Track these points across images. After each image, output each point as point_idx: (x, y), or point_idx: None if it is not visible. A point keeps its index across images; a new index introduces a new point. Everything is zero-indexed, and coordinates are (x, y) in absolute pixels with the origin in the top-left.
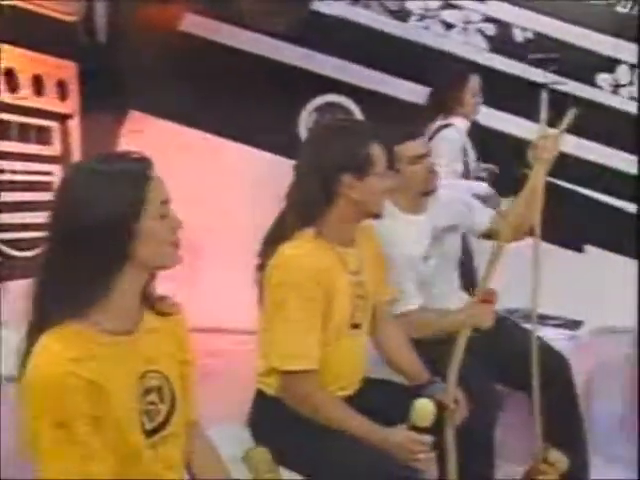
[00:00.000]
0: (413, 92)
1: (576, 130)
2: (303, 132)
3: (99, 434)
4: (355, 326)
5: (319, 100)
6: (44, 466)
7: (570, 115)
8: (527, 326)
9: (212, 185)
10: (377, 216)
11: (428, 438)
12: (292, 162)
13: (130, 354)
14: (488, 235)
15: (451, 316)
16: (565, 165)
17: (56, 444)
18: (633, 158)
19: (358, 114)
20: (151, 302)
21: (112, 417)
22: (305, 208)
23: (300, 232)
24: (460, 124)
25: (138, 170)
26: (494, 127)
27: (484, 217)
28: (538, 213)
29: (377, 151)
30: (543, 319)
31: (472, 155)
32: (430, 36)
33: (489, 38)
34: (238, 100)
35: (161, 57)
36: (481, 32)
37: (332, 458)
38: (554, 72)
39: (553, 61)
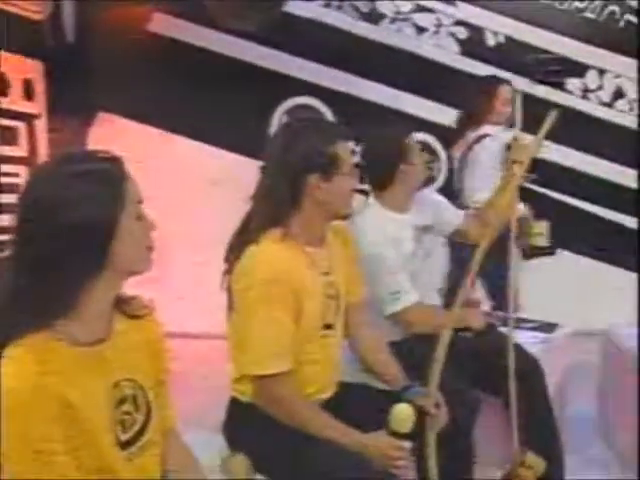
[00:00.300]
0: (385, 94)
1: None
2: None
3: (71, 452)
4: (327, 327)
5: (291, 102)
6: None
7: (550, 119)
8: (502, 330)
9: (183, 188)
10: (346, 217)
11: (407, 444)
12: (260, 163)
13: (102, 364)
14: (457, 235)
15: (448, 313)
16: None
17: (26, 464)
18: (606, 163)
19: (330, 116)
20: (121, 304)
21: (84, 432)
22: (272, 209)
23: (267, 233)
24: (499, 134)
25: (114, 169)
26: None
27: (453, 217)
28: (514, 213)
29: (344, 150)
30: (518, 322)
31: None
32: (402, 39)
33: (461, 41)
34: (208, 102)
35: (129, 57)
36: (453, 35)
37: (311, 465)
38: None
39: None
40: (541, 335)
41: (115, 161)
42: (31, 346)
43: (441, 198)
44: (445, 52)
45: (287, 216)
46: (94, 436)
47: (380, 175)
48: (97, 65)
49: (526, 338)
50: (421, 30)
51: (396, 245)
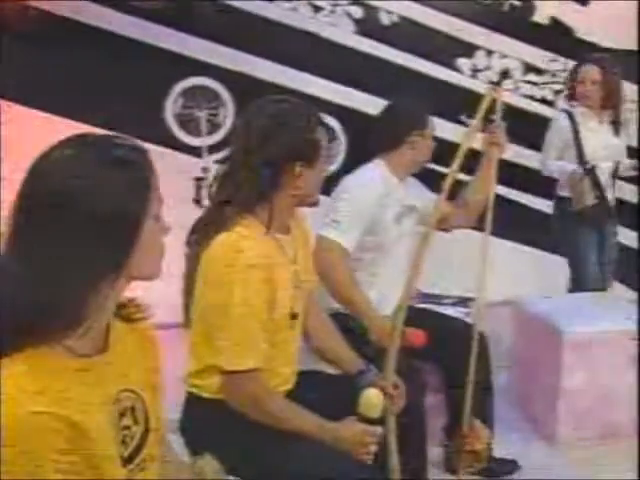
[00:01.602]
0: (283, 74)
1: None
2: (169, 116)
3: (74, 475)
4: (294, 316)
5: (186, 83)
6: None
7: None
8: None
9: None
10: (314, 204)
11: (379, 429)
12: (159, 148)
13: (104, 376)
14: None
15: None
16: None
17: None
18: None
19: (227, 97)
20: (118, 307)
21: (90, 454)
22: (250, 197)
23: (241, 221)
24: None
25: (141, 158)
26: (359, 109)
27: (432, 201)
28: (491, 198)
29: (322, 135)
30: (438, 298)
31: None
32: (298, 18)
33: (356, 21)
34: (102, 84)
35: (20, 38)
36: (348, 15)
37: (284, 461)
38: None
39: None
40: (463, 309)
41: (140, 150)
42: (29, 362)
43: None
44: (341, 31)
45: (264, 204)
46: (100, 458)
47: (390, 139)
48: None
49: (452, 313)
50: (317, 9)
51: (382, 204)
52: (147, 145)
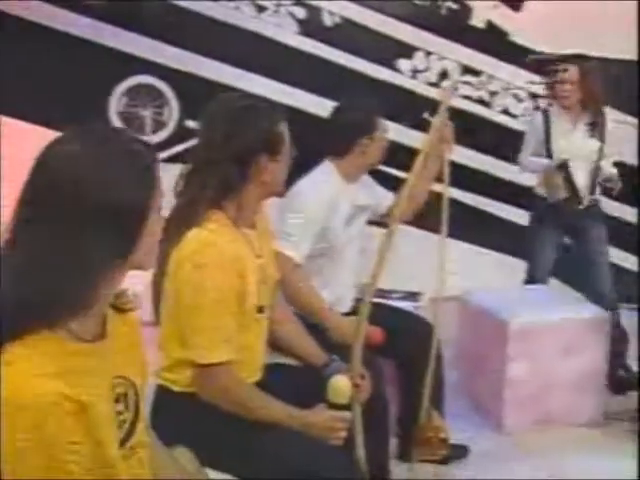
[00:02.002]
0: (227, 74)
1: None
2: (113, 114)
3: (79, 454)
4: (261, 310)
5: (130, 81)
6: None
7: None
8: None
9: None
10: (280, 194)
11: (348, 414)
12: None
13: (103, 362)
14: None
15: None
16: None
17: (40, 474)
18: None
19: (171, 96)
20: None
21: (94, 436)
22: (218, 192)
23: (210, 217)
24: None
25: (148, 152)
26: (303, 108)
27: (384, 197)
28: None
29: (284, 129)
30: (388, 293)
31: None
32: (242, 17)
33: (299, 21)
34: (46, 82)
35: None
36: (292, 15)
37: (259, 451)
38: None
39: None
40: (412, 304)
41: (144, 142)
42: (36, 345)
43: (370, 179)
44: (285, 31)
45: (232, 198)
46: (102, 439)
47: (340, 143)
48: None
49: (402, 307)
50: (261, 9)
51: (332, 210)
52: None
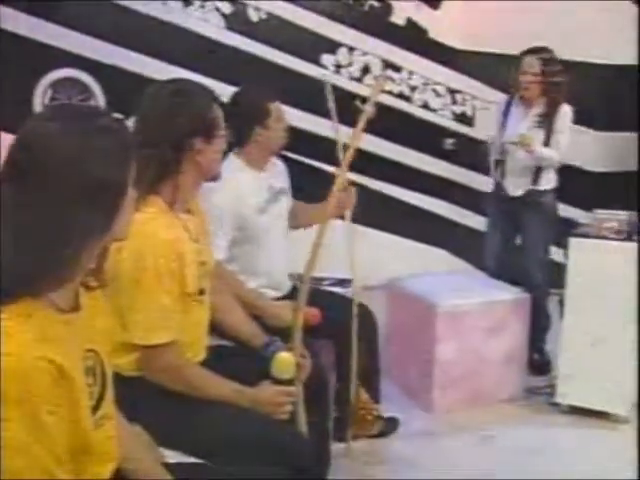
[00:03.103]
0: (153, 67)
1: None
2: (39, 107)
3: (59, 419)
4: (201, 292)
5: (56, 74)
6: (5, 461)
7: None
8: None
9: None
10: (215, 178)
11: (293, 389)
12: None
13: (78, 333)
14: None
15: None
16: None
17: (23, 437)
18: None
19: (97, 89)
20: None
21: (72, 402)
22: (155, 176)
23: (147, 201)
24: None
25: (125, 128)
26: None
27: None
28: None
29: (219, 113)
30: (319, 280)
31: None
32: (170, 12)
33: (225, 16)
34: None
35: None
36: (218, 10)
37: (208, 429)
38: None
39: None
40: (343, 290)
41: (118, 118)
42: (20, 313)
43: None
44: (211, 25)
45: (167, 183)
46: (77, 404)
47: (238, 134)
48: None
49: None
50: (187, 3)
51: (241, 199)
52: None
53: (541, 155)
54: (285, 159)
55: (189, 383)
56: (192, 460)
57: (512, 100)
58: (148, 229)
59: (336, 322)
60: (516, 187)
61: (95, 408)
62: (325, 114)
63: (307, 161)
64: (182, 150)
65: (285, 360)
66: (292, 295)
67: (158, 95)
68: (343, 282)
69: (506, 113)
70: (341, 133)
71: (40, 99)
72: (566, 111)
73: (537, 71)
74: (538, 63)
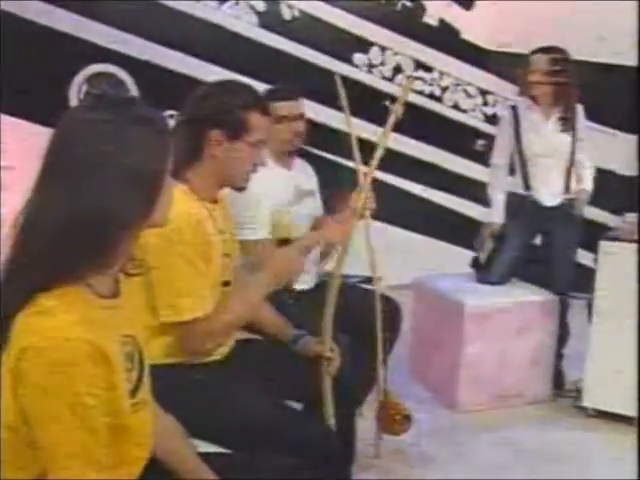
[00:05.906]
0: (185, 64)
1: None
2: (73, 102)
3: (101, 407)
4: (226, 284)
5: (90, 69)
6: (52, 448)
7: (409, 81)
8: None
9: None
10: (241, 189)
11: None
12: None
13: (118, 318)
14: None
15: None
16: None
17: (70, 422)
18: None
19: (131, 84)
20: None
21: (112, 385)
22: (179, 163)
23: (175, 187)
24: None
25: (163, 119)
26: None
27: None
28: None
29: (257, 121)
30: (347, 277)
31: None
32: (204, 9)
33: (259, 14)
34: (7, 70)
35: None
36: (252, 8)
37: (238, 419)
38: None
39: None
40: (369, 287)
41: (154, 107)
42: (63, 297)
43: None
44: (245, 23)
45: (188, 170)
46: (116, 386)
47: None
48: None
49: None
50: (222, 1)
51: (278, 191)
52: (50, 130)
53: (590, 184)
54: (316, 157)
55: (234, 320)
56: (219, 450)
57: (517, 111)
58: (176, 212)
59: (361, 317)
60: (551, 197)
61: (133, 392)
62: (356, 113)
63: (339, 160)
64: (200, 138)
65: (282, 218)
66: (317, 289)
67: (198, 89)
68: (372, 280)
69: (516, 124)
70: (354, 127)
71: (75, 93)
72: (580, 112)
73: (545, 70)
74: (546, 62)
